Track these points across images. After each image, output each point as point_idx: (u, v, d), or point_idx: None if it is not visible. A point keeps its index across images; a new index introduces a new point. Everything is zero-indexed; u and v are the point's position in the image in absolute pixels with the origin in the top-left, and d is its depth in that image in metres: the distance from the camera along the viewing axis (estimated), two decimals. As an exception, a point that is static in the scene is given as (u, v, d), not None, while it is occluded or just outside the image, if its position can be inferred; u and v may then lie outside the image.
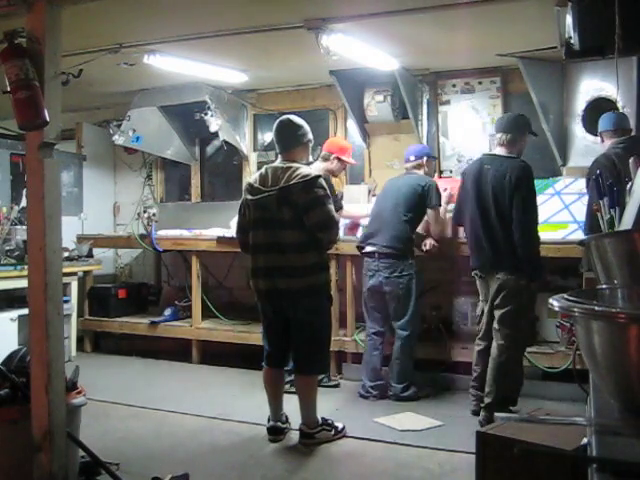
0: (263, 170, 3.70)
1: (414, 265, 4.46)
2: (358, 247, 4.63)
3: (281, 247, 3.54)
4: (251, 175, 3.83)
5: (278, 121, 3.76)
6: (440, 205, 4.54)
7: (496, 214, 3.81)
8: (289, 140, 3.69)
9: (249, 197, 3.65)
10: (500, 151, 3.96)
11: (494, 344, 3.89)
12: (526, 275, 3.79)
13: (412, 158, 4.64)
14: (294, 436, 3.74)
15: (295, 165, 3.60)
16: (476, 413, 4.00)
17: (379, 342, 4.56)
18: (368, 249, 4.53)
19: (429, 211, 4.50)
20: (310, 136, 3.77)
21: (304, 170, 3.58)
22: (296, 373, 3.76)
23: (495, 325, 3.88)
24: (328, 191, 3.63)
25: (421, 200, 4.46)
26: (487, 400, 3.86)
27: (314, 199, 3.50)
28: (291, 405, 3.81)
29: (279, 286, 3.57)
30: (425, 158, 4.65)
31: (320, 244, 3.60)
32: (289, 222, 3.52)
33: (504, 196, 3.79)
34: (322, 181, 3.59)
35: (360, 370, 4.67)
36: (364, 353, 4.66)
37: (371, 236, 4.54)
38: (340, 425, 3.77)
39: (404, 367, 4.45)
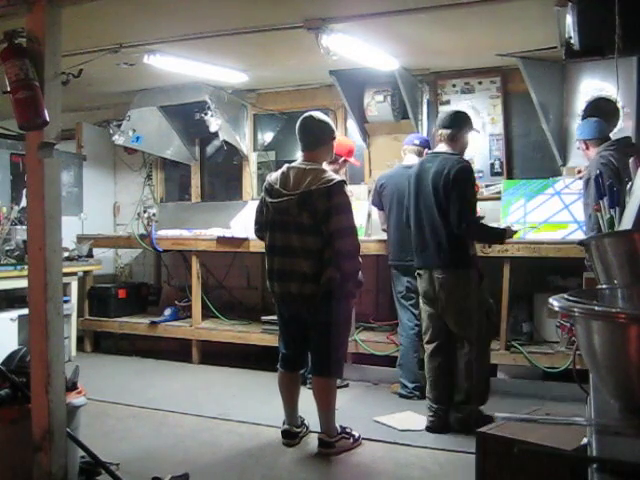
0: (285, 169, 3.55)
1: None
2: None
3: (298, 252, 3.41)
4: (270, 175, 3.60)
5: (302, 118, 3.61)
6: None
7: (438, 212, 3.72)
8: (313, 139, 3.56)
9: (268, 199, 3.51)
10: (441, 148, 3.87)
11: (457, 345, 3.78)
12: (464, 268, 3.70)
13: (417, 142, 4.62)
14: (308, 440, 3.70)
15: (319, 167, 3.50)
16: (430, 429, 3.76)
17: (418, 342, 4.39)
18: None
19: None
20: (335, 133, 3.66)
21: (328, 175, 3.45)
22: (314, 375, 3.62)
23: (451, 324, 3.77)
24: (350, 198, 3.49)
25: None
26: (457, 398, 3.78)
27: (335, 206, 3.36)
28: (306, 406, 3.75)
29: (295, 290, 3.45)
30: (426, 150, 4.60)
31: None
32: (309, 227, 3.38)
33: (443, 193, 3.68)
34: (346, 188, 3.48)
35: (397, 372, 4.53)
36: (402, 353, 4.50)
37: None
38: (356, 434, 3.67)
39: None
